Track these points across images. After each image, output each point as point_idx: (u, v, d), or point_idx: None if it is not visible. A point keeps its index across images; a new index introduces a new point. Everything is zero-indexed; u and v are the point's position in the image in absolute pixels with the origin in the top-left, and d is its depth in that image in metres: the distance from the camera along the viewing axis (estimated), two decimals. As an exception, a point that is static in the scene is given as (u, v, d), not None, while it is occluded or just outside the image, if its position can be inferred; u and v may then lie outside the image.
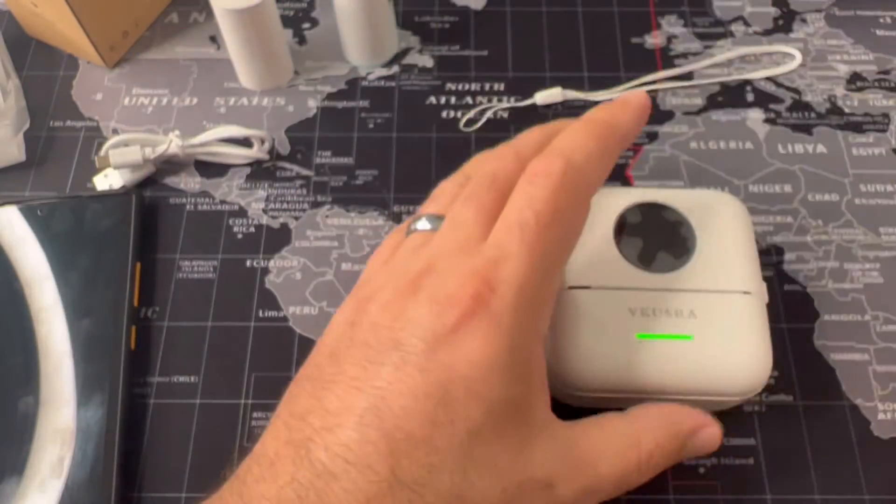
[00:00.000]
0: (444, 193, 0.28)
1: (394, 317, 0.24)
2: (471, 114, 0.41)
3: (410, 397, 0.22)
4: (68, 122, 0.42)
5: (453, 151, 0.40)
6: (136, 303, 0.36)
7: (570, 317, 0.30)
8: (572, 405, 0.31)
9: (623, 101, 0.28)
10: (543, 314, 0.25)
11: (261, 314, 0.36)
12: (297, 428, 0.23)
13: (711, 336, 0.30)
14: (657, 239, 0.32)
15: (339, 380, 0.23)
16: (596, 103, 0.42)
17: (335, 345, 0.25)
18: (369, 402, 0.22)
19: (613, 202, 0.32)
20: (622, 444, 0.26)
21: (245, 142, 0.40)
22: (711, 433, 0.27)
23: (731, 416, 0.33)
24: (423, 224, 0.28)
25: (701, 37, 0.44)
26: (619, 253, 0.31)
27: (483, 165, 0.28)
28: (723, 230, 0.32)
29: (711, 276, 0.31)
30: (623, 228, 0.32)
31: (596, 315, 0.30)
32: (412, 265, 0.25)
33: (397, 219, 0.38)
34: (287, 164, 0.40)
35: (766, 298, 0.31)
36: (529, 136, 0.29)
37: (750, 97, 0.42)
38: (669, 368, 0.29)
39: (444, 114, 0.42)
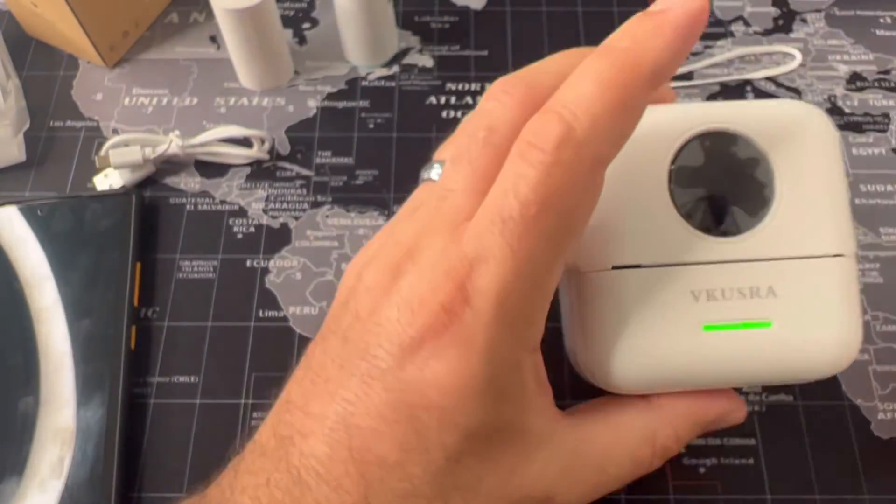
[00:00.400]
0: (464, 134, 0.23)
1: (370, 310, 0.21)
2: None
3: (378, 419, 0.20)
4: (68, 122, 0.42)
5: (453, 151, 0.40)
6: (136, 303, 0.36)
7: (616, 307, 0.24)
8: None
9: (659, 16, 0.20)
10: (534, 321, 0.22)
11: (261, 314, 0.36)
12: (285, 422, 0.22)
13: (795, 318, 0.23)
14: (727, 188, 0.24)
15: (321, 376, 0.22)
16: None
17: (329, 321, 0.23)
18: (338, 414, 0.21)
19: (665, 132, 0.24)
20: (635, 442, 0.24)
21: (245, 142, 0.40)
22: (737, 416, 0.25)
23: (731, 416, 0.33)
24: (435, 172, 0.24)
25: (701, 37, 0.44)
26: (677, 212, 0.24)
27: (484, 104, 0.23)
28: (810, 166, 0.24)
29: (797, 236, 0.24)
30: (681, 175, 0.24)
31: (650, 304, 0.23)
32: (403, 236, 0.22)
33: (397, 219, 0.38)
34: (287, 164, 0.40)
35: (856, 255, 0.25)
36: (551, 65, 0.23)
37: (750, 97, 0.42)
38: (741, 363, 0.24)
39: (444, 114, 0.41)
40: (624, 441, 0.24)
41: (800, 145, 0.24)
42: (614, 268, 0.24)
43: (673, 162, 0.24)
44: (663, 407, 0.24)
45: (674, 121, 0.24)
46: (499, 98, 0.23)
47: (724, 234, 0.24)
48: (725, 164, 0.24)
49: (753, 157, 0.24)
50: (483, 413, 0.21)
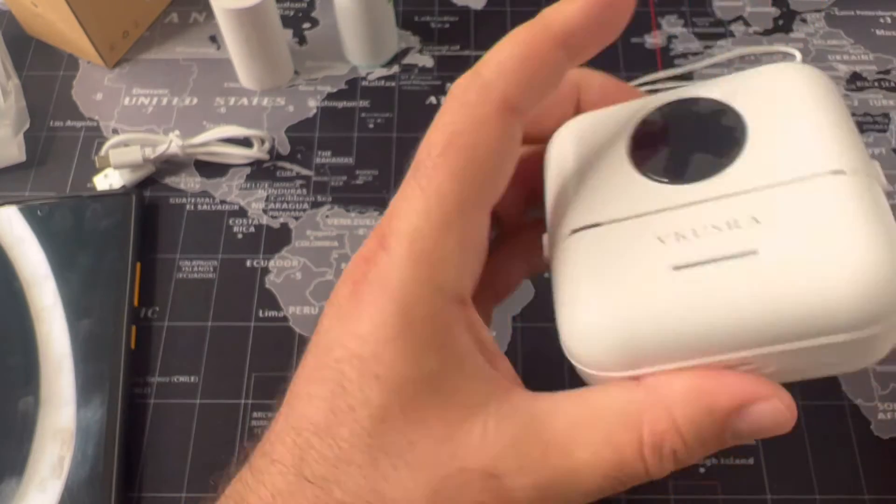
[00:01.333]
0: None
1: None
2: (471, 114, 0.41)
3: (311, 383, 0.20)
4: (68, 122, 0.42)
5: (453, 151, 0.40)
6: (136, 303, 0.36)
7: (578, 271, 0.21)
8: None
9: None
10: (450, 264, 0.20)
11: (261, 314, 0.36)
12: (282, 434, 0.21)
13: (787, 241, 0.18)
14: (690, 139, 0.22)
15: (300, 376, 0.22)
16: (596, 103, 0.41)
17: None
18: (288, 395, 0.21)
19: (627, 115, 0.23)
20: (614, 423, 0.19)
21: (245, 142, 0.40)
22: (770, 407, 0.20)
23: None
24: None
25: (701, 37, 0.44)
26: (637, 170, 0.22)
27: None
28: (789, 107, 0.21)
29: (778, 164, 0.20)
30: (641, 140, 0.22)
31: (613, 260, 0.20)
32: None
33: (397, 219, 0.38)
34: (287, 164, 0.40)
35: (878, 178, 0.20)
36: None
37: (750, 97, 0.42)
38: (727, 303, 0.19)
39: (444, 114, 0.41)
40: (597, 418, 0.19)
41: (776, 93, 0.21)
42: (573, 232, 0.21)
43: (634, 131, 0.23)
44: (655, 386, 0.19)
45: (641, 103, 0.23)
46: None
47: (692, 179, 0.21)
48: (687, 121, 0.22)
49: (718, 109, 0.22)
50: (402, 364, 0.19)
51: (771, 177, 0.20)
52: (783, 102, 0.21)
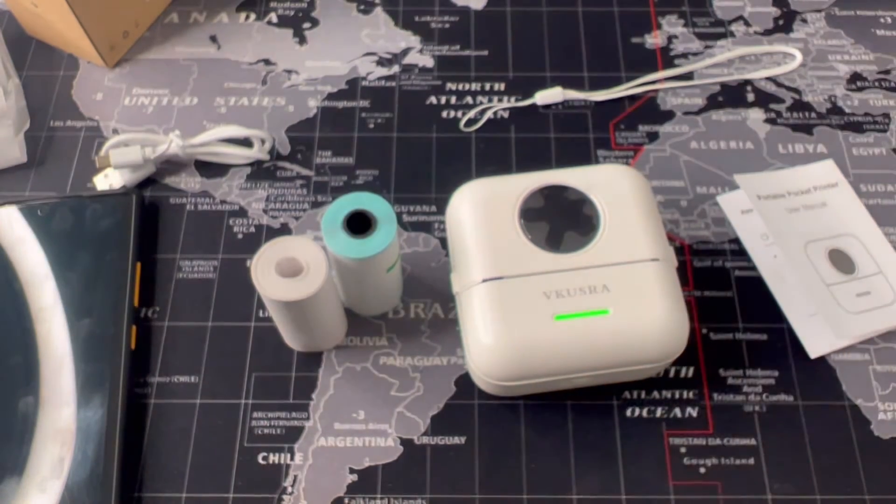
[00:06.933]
0: None
1: None
2: (471, 114, 0.41)
3: None
4: (68, 122, 0.42)
5: (453, 151, 0.40)
6: (136, 303, 0.36)
7: (487, 309, 0.30)
8: (498, 395, 0.33)
9: None
10: None
11: (261, 314, 0.36)
12: None
13: (627, 307, 0.30)
14: (562, 220, 0.32)
15: None
16: (596, 103, 0.42)
17: None
18: None
19: (514, 190, 0.33)
20: None
21: (245, 142, 0.40)
22: None
23: (731, 416, 0.33)
24: None
25: (701, 37, 0.44)
26: (527, 239, 0.32)
27: None
28: (625, 203, 0.32)
29: (619, 249, 0.31)
30: (528, 214, 0.32)
31: (512, 304, 0.30)
32: None
33: (398, 219, 0.38)
34: (287, 164, 0.40)
35: (674, 263, 0.32)
36: None
37: (750, 97, 0.42)
38: (590, 345, 0.30)
39: (444, 114, 0.41)
40: None
41: (616, 189, 0.33)
42: (484, 280, 0.31)
43: (521, 205, 0.32)
44: None
45: (522, 182, 0.33)
46: None
47: (565, 251, 0.31)
48: (559, 204, 0.32)
49: (580, 199, 0.33)
50: None
51: (615, 257, 0.31)
52: (620, 198, 0.32)
